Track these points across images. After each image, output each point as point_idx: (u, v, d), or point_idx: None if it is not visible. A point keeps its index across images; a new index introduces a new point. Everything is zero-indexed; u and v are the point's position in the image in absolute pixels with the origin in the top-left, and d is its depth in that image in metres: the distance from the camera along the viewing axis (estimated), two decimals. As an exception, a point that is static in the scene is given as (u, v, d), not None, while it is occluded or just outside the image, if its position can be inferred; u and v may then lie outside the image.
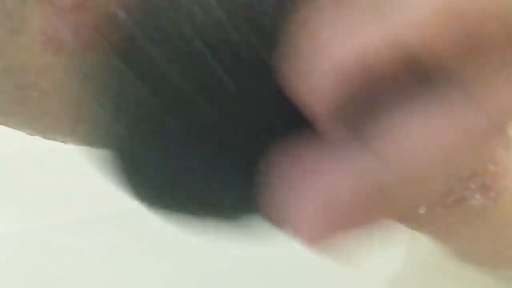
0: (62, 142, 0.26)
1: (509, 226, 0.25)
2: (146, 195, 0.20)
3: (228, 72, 0.17)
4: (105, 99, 0.20)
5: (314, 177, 0.16)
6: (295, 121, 0.17)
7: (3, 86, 0.23)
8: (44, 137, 0.26)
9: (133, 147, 0.19)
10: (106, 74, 0.19)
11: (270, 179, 0.17)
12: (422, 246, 0.34)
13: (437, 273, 0.33)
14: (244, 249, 0.38)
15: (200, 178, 0.18)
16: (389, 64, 0.15)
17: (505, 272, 0.29)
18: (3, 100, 0.23)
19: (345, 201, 0.16)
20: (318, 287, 0.36)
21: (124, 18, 0.19)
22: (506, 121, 0.16)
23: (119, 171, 0.20)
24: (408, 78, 0.16)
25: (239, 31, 0.17)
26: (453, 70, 0.15)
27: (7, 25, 0.21)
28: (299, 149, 0.17)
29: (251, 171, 0.17)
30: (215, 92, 0.17)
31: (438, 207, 0.23)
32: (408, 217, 0.22)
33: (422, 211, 0.23)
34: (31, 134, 0.26)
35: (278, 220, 0.17)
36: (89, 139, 0.25)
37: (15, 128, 0.25)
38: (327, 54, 0.15)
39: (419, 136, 0.15)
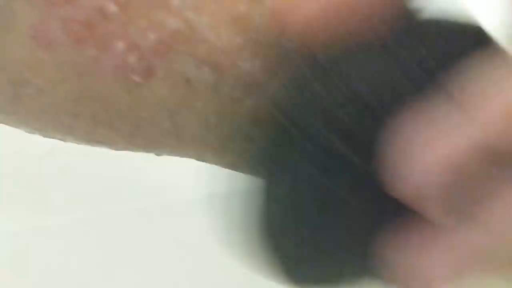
0: (62, 140, 0.25)
1: None
2: (286, 265, 0.23)
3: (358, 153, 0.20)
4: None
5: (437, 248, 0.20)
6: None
7: None
8: (43, 136, 0.25)
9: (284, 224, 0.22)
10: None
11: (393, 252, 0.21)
12: None
13: None
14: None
15: (331, 251, 0.22)
16: (478, 160, 0.19)
17: None
18: (0, 99, 0.23)
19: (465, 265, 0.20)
20: None
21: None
22: None
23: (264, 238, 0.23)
24: (496, 169, 0.20)
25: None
26: None
27: None
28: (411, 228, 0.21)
29: (370, 245, 0.21)
30: (346, 171, 0.21)
31: None
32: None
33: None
34: (30, 132, 0.25)
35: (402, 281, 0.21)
36: (89, 137, 0.24)
37: (13, 126, 0.25)
38: (427, 156, 0.19)
39: None
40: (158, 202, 0.40)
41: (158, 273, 0.38)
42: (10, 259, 0.38)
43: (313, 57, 0.21)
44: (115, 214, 0.40)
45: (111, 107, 0.23)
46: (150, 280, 0.38)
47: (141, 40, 0.21)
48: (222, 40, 0.22)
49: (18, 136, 0.26)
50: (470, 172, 0.19)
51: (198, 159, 0.25)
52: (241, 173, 0.25)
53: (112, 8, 0.21)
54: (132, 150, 0.25)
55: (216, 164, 0.25)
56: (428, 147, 0.19)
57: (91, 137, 0.24)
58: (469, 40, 0.21)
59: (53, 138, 0.25)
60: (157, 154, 0.26)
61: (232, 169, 0.25)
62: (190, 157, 0.25)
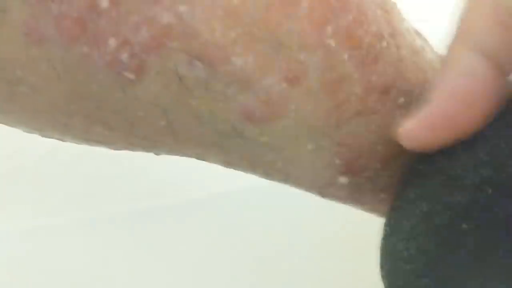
0: (60, 139, 0.25)
1: None
2: None
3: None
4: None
5: None
6: None
7: None
8: (42, 135, 0.25)
9: None
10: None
11: None
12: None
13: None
14: (245, 250, 0.38)
15: None
16: None
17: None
18: None
19: None
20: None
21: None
22: None
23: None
24: None
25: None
26: None
27: None
28: None
29: None
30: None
31: None
32: None
33: None
34: (28, 132, 0.25)
35: None
36: (85, 136, 0.24)
37: (11, 126, 0.25)
38: None
39: None
40: (159, 202, 0.40)
41: (159, 273, 0.38)
42: (10, 259, 0.38)
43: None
44: (115, 214, 0.39)
45: (105, 105, 0.23)
46: (150, 280, 0.38)
47: (133, 36, 0.21)
48: (215, 34, 0.22)
49: (18, 136, 0.26)
50: None
51: (197, 158, 0.25)
52: (240, 172, 0.25)
53: (104, 4, 0.21)
54: (130, 149, 0.25)
55: (214, 162, 0.25)
56: None
57: (88, 136, 0.24)
58: None
59: (51, 137, 0.25)
60: (156, 154, 0.25)
61: (230, 168, 0.25)
62: (189, 156, 0.25)
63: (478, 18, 0.22)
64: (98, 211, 0.40)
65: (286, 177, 0.25)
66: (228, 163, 0.25)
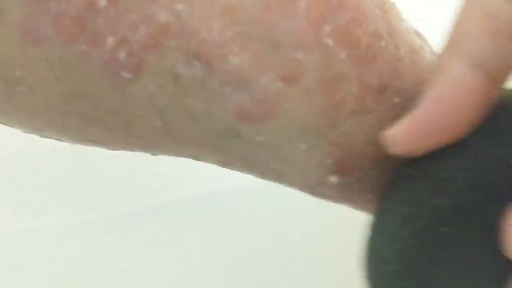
0: (58, 140, 0.25)
1: None
2: None
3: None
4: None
5: None
6: None
7: None
8: (40, 135, 0.25)
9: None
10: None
11: None
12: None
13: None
14: (246, 251, 0.38)
15: None
16: None
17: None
18: None
19: None
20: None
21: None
22: None
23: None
24: None
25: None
26: None
27: None
28: None
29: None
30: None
31: None
32: None
33: None
34: (26, 132, 0.25)
35: None
36: (82, 137, 0.24)
37: (8, 126, 0.25)
38: None
39: None
40: (159, 202, 0.40)
41: (158, 273, 0.38)
42: (10, 259, 0.38)
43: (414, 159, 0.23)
44: (115, 215, 0.39)
45: (102, 105, 0.23)
46: (150, 280, 0.38)
47: (131, 34, 0.21)
48: (213, 33, 0.22)
49: (18, 136, 0.26)
50: None
51: (193, 158, 0.25)
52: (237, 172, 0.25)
53: (102, 2, 0.21)
54: (126, 149, 0.25)
55: (211, 163, 0.25)
56: None
57: (85, 137, 0.24)
58: None
59: (49, 137, 0.25)
60: (153, 154, 0.25)
61: (227, 168, 0.25)
62: (185, 156, 0.25)
63: (470, 27, 0.23)
64: (98, 212, 0.40)
65: (280, 177, 0.25)
66: (224, 163, 0.25)
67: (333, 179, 0.24)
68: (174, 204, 0.40)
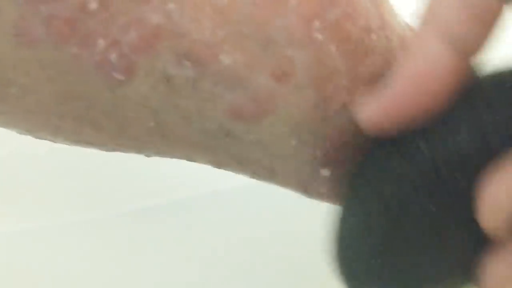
0: (52, 141, 0.25)
1: None
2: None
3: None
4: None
5: None
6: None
7: None
8: (34, 137, 0.25)
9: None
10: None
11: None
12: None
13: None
14: (245, 249, 0.38)
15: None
16: None
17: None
18: None
19: None
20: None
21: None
22: None
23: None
24: None
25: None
26: None
27: None
28: None
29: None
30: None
31: None
32: None
33: None
34: (20, 133, 0.25)
35: None
36: (76, 138, 0.24)
37: (2, 127, 0.25)
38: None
39: None
40: (159, 202, 0.40)
41: (158, 273, 0.38)
42: (10, 259, 0.38)
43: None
44: (115, 215, 0.39)
45: (95, 106, 0.23)
46: (150, 280, 0.38)
47: (122, 36, 0.21)
48: (204, 33, 0.22)
49: (17, 136, 0.26)
50: None
51: (187, 159, 0.25)
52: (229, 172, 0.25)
53: (93, 5, 0.21)
54: (120, 150, 0.25)
55: (204, 163, 0.25)
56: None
57: (79, 138, 0.24)
58: None
59: (43, 139, 0.25)
60: (146, 156, 0.25)
61: (220, 168, 0.25)
62: (178, 157, 0.25)
63: (446, 5, 0.22)
64: (98, 212, 0.40)
65: (272, 175, 0.25)
66: (217, 163, 0.25)
67: (325, 172, 0.24)
68: (174, 203, 0.40)
